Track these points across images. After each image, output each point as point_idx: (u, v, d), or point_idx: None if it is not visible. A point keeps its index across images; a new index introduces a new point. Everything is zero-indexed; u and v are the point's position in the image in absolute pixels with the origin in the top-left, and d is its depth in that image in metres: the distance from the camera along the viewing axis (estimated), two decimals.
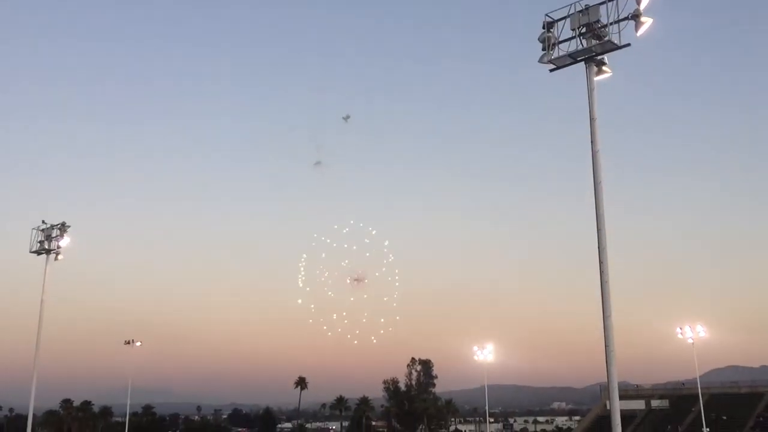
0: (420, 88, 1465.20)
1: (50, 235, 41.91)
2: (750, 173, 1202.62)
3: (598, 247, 21.46)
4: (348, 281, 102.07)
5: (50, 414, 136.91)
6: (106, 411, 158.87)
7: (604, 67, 22.62)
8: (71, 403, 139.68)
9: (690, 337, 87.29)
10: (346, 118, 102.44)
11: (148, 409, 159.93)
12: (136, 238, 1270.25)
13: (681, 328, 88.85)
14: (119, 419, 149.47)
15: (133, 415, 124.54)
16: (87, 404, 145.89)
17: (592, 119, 22.19)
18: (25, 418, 68.70)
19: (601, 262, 21.32)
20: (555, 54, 22.84)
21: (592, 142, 22.11)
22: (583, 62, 22.62)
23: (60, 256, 42.08)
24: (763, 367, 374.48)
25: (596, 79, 22.67)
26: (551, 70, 23.18)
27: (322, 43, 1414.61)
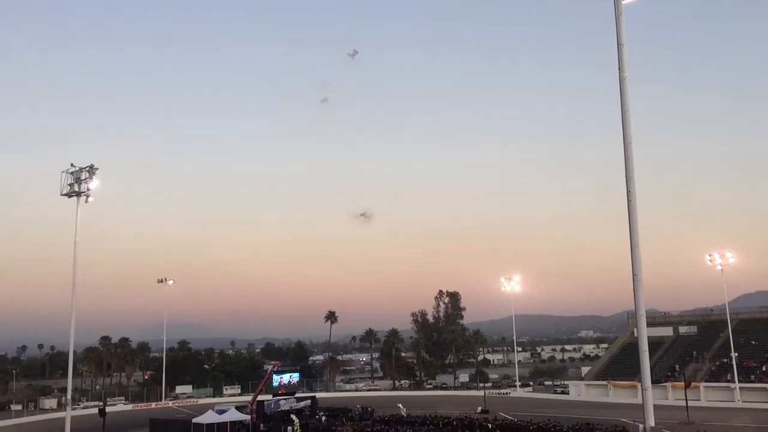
0: (433, 13, 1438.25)
1: (80, 178, 42.45)
2: None
3: (626, 176, 21.27)
4: (360, 215, 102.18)
5: (90, 350, 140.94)
6: (143, 347, 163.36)
7: None
8: (110, 340, 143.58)
9: (719, 264, 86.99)
10: (353, 54, 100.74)
11: (183, 344, 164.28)
12: (167, 178, 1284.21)
13: (710, 255, 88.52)
14: (156, 354, 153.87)
15: (170, 350, 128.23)
16: (125, 341, 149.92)
17: (619, 44, 21.69)
18: (66, 354, 71.21)
19: (628, 191, 21.16)
20: None
21: (619, 68, 21.68)
22: None
23: (90, 198, 42.69)
24: None
25: (624, 2, 22.05)
26: None
27: None
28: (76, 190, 42.56)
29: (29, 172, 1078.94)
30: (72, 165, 42.74)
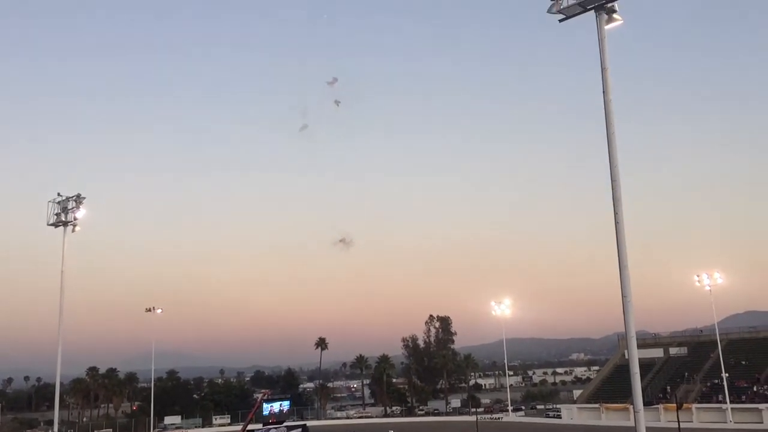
0: (419, 42, 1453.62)
1: (66, 207, 42.19)
2: (765, 116, 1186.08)
3: (613, 198, 21.38)
4: (339, 241, 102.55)
5: (77, 382, 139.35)
6: (131, 377, 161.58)
7: (614, 15, 22.24)
8: (97, 371, 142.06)
9: (707, 284, 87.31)
10: (333, 82, 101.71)
11: (172, 373, 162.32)
12: (154, 205, 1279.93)
13: (698, 276, 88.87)
14: (144, 384, 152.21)
15: (158, 380, 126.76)
16: (112, 371, 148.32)
17: (603, 69, 21.90)
18: (52, 386, 70.01)
19: (616, 213, 21.27)
20: (564, 3, 22.46)
21: (604, 91, 21.86)
22: (593, 11, 22.25)
23: (77, 228, 42.42)
24: None
25: (607, 27, 22.31)
26: (561, 20, 22.82)
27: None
28: (63, 219, 42.27)
29: (15, 200, 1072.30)
30: (59, 194, 42.49)
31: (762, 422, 79.21)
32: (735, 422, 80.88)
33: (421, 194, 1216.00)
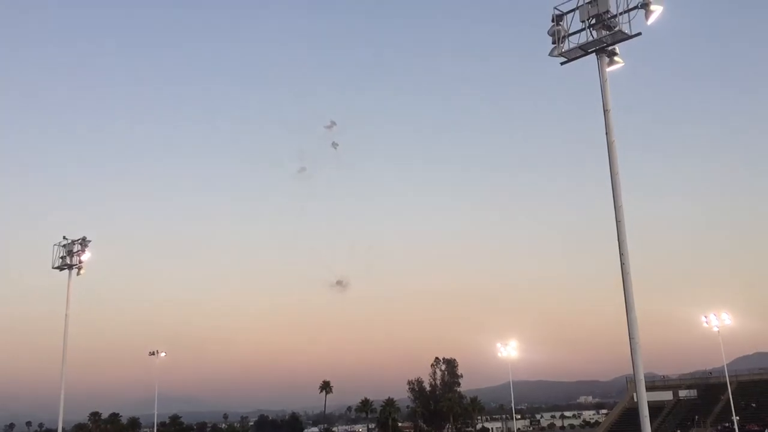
0: (422, 82, 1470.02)
1: (72, 251, 42.23)
2: None
3: (618, 239, 21.30)
4: (336, 283, 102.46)
5: (79, 427, 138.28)
6: (134, 422, 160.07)
7: (615, 58, 22.44)
8: (99, 416, 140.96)
9: (716, 326, 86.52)
10: (331, 126, 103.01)
11: (175, 418, 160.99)
12: (159, 249, 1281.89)
13: (706, 317, 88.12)
14: (147, 430, 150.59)
15: (161, 425, 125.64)
16: (115, 416, 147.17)
17: (606, 110, 22.04)
18: None
19: (621, 254, 21.16)
20: (565, 47, 22.69)
21: (606, 133, 21.96)
22: (594, 54, 22.49)
23: (82, 271, 42.41)
24: None
25: (608, 69, 22.52)
26: (562, 63, 23.05)
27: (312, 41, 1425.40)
28: (68, 263, 42.30)
29: (15, 244, 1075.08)
30: (64, 237, 42.59)
31: None
32: None
33: (425, 236, 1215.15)
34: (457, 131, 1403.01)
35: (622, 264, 21.12)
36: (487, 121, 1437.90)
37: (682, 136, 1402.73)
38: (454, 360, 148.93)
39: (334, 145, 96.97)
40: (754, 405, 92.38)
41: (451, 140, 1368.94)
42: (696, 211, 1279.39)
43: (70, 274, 42.22)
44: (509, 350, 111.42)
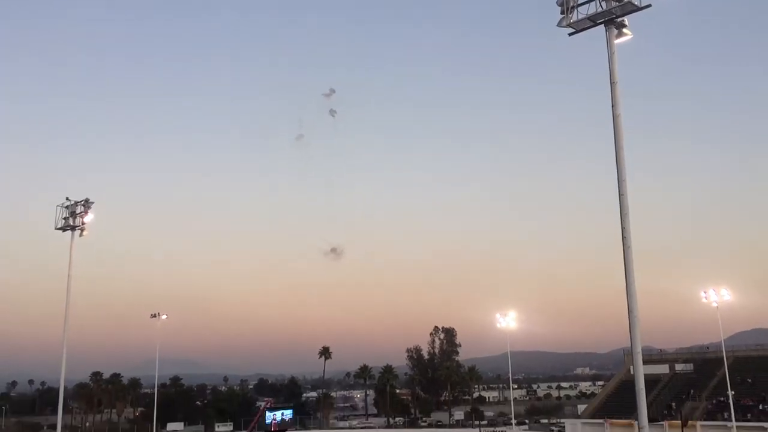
0: (424, 53, 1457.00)
1: (74, 212, 42.35)
2: None
3: (620, 213, 21.31)
4: (330, 251, 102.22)
5: (80, 387, 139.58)
6: (134, 383, 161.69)
7: (624, 30, 22.25)
8: (101, 376, 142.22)
9: (714, 301, 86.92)
10: (330, 93, 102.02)
11: (176, 380, 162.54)
12: (160, 211, 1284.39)
13: (705, 292, 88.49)
14: (148, 390, 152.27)
15: (162, 386, 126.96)
16: (116, 376, 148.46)
17: (612, 83, 21.90)
18: (56, 390, 70.25)
19: (623, 228, 21.18)
20: (574, 17, 22.48)
21: (613, 106, 21.85)
22: (602, 25, 22.27)
23: (85, 233, 42.58)
24: None
25: (616, 42, 22.33)
26: (570, 34, 22.83)
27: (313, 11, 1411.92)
28: (71, 224, 42.42)
29: (19, 206, 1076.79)
30: (67, 199, 42.67)
31: None
32: None
33: (426, 205, 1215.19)
34: (457, 101, 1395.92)
35: (623, 238, 21.15)
36: (489, 92, 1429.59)
37: (691, 111, 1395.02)
38: (453, 329, 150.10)
39: (332, 112, 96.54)
40: (749, 380, 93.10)
41: (452, 110, 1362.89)
42: (699, 186, 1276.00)
43: (72, 235, 42.39)
44: (508, 321, 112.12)
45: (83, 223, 42.36)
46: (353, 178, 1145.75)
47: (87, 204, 42.30)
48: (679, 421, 73.55)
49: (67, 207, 42.50)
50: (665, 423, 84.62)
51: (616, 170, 21.62)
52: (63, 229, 42.54)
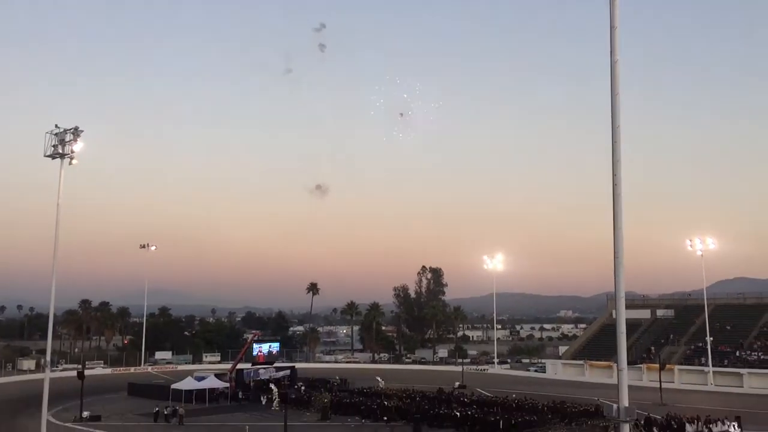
0: None
1: (64, 140, 41.88)
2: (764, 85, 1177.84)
3: (612, 159, 21.30)
4: (315, 188, 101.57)
5: (69, 313, 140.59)
6: (123, 311, 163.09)
7: None
8: (89, 304, 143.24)
9: (699, 249, 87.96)
10: (320, 28, 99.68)
11: (164, 310, 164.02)
12: (152, 144, 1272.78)
13: (691, 240, 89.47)
14: (136, 319, 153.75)
15: (150, 316, 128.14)
16: (105, 305, 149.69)
17: (612, 27, 21.59)
18: (45, 317, 70.78)
19: (614, 174, 21.21)
20: None
21: (611, 51, 21.59)
22: None
23: (74, 161, 42.20)
24: None
25: None
26: None
27: None
28: (60, 152, 41.98)
29: (9, 133, 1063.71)
30: (56, 126, 42.12)
31: (742, 386, 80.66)
32: (716, 385, 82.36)
33: (417, 147, 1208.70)
34: (448, 39, 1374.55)
35: (614, 185, 21.20)
36: (482, 36, 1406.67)
37: (679, 61, 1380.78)
38: (440, 269, 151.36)
39: (322, 47, 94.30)
40: (728, 327, 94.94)
41: (443, 48, 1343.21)
42: (690, 136, 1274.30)
43: (62, 163, 42.01)
44: (495, 263, 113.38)
45: (72, 152, 41.93)
46: (342, 115, 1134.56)
47: (76, 132, 41.77)
48: (658, 365, 75.16)
49: (56, 134, 41.99)
50: (643, 366, 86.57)
51: (610, 117, 21.51)
52: (52, 156, 42.11)
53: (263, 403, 65.18)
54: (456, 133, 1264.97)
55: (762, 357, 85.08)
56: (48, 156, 42.15)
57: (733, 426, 43.27)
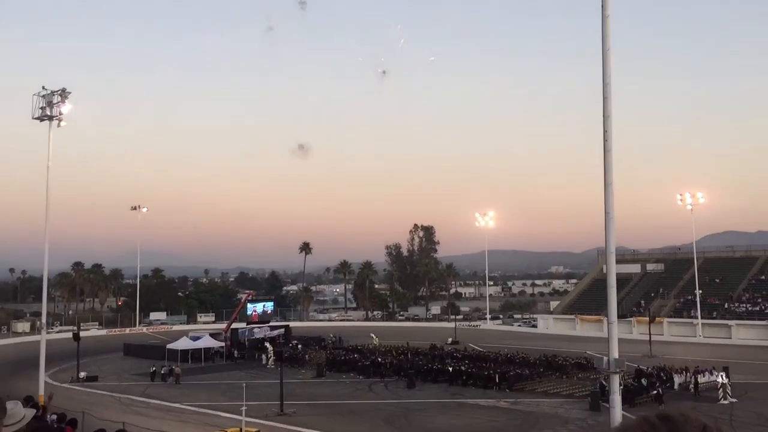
0: None
1: (51, 102, 41.54)
2: (760, 39, 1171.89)
3: (603, 115, 21.35)
4: (298, 147, 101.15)
5: (62, 276, 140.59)
6: (116, 273, 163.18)
7: None
8: (82, 266, 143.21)
9: (689, 203, 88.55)
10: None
11: (157, 272, 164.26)
12: (141, 106, 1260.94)
13: (681, 195, 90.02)
14: (130, 281, 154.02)
15: (143, 277, 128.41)
16: (98, 267, 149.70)
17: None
18: (38, 279, 71.22)
19: (605, 131, 21.28)
20: None
21: (602, 6, 21.48)
22: None
23: (63, 123, 41.92)
24: (760, 232, 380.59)
25: None
26: None
27: None
28: (48, 114, 41.67)
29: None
30: (43, 88, 41.72)
31: (730, 338, 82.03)
32: (704, 336, 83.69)
33: (408, 104, 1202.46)
34: (439, 2, 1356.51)
35: (605, 141, 21.28)
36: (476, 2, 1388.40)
37: (665, 13, 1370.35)
38: (432, 227, 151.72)
39: (302, 4, 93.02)
40: (717, 280, 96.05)
41: (432, 9, 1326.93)
42: (680, 91, 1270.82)
43: (50, 125, 41.73)
44: (487, 220, 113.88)
45: (60, 113, 41.65)
46: (330, 74, 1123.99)
47: (64, 94, 41.45)
48: (647, 318, 76.22)
49: (43, 96, 41.63)
50: (633, 319, 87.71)
51: (601, 74, 21.48)
52: (40, 119, 41.83)
53: (263, 362, 65.50)
54: (446, 89, 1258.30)
55: (750, 309, 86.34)
56: (36, 118, 41.87)
57: (721, 376, 44.08)
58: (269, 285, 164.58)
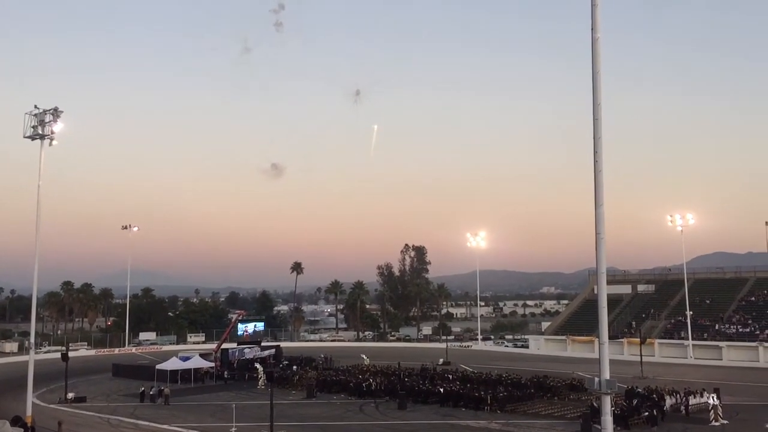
0: None
1: (43, 120, 41.52)
2: (750, 62, 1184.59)
3: (594, 136, 21.42)
4: (271, 166, 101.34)
5: (51, 295, 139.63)
6: (106, 293, 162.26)
7: None
8: (72, 285, 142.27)
9: (679, 225, 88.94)
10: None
11: (147, 291, 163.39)
12: (133, 124, 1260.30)
13: (671, 216, 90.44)
14: (119, 301, 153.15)
15: (133, 297, 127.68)
16: (88, 286, 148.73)
17: (593, 5, 21.60)
18: (26, 299, 70.61)
19: (595, 152, 21.34)
20: None
21: (592, 28, 21.61)
22: None
23: (54, 142, 41.88)
24: (750, 254, 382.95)
25: None
26: None
27: None
28: (40, 132, 41.66)
29: None
30: (36, 107, 41.73)
31: (721, 359, 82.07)
32: (695, 358, 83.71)
33: (399, 125, 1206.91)
34: (422, 9, 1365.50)
35: (595, 162, 21.34)
36: (461, 7, 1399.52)
37: (658, 31, 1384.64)
38: (424, 247, 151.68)
39: (278, 25, 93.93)
40: (708, 301, 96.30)
41: (415, 13, 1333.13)
42: (669, 112, 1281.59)
43: (42, 144, 41.69)
44: (478, 241, 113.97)
45: (52, 132, 41.63)
46: (316, 91, 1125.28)
47: (56, 113, 41.45)
48: (638, 339, 76.23)
49: (35, 115, 41.61)
50: (624, 340, 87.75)
51: (591, 95, 21.59)
52: (32, 137, 41.79)
53: (258, 385, 64.54)
54: (435, 110, 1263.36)
55: (740, 330, 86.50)
56: (28, 137, 41.83)
57: (712, 397, 44.01)
58: (260, 305, 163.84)
